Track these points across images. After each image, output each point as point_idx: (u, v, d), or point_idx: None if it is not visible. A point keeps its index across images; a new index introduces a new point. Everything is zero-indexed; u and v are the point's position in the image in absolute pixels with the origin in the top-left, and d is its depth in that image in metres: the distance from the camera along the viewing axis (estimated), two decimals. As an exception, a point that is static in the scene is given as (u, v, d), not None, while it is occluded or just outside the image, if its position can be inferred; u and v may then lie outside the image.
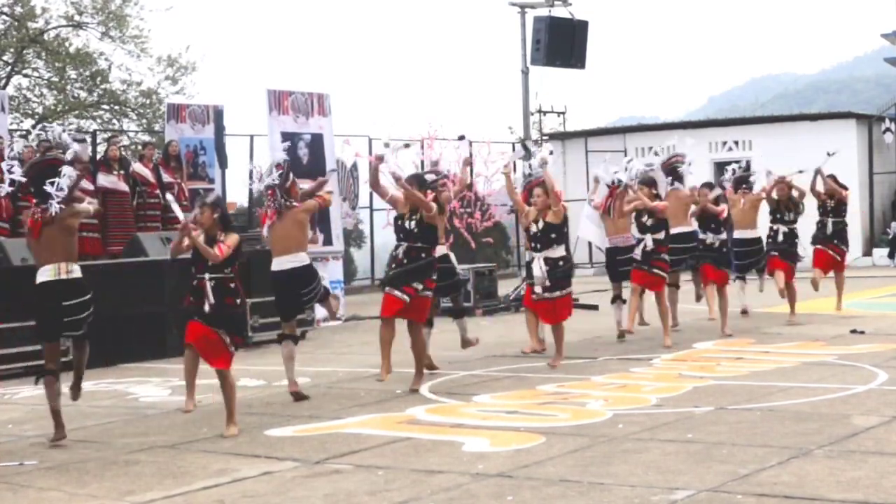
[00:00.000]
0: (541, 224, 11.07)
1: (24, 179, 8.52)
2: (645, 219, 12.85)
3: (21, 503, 6.76)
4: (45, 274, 8.30)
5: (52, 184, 8.27)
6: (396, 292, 9.96)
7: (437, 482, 6.63)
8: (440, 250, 10.81)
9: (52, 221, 8.29)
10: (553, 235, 11.06)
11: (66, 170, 8.44)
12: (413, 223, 9.97)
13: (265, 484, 6.86)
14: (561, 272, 11.13)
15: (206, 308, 8.49)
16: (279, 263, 10.01)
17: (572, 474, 6.65)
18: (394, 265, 10.10)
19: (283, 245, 10.00)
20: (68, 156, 8.90)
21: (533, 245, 11.21)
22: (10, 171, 8.56)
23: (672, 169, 14.43)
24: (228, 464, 7.44)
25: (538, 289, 11.12)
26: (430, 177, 10.84)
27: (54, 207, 8.28)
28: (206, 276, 8.54)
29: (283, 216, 9.98)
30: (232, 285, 8.64)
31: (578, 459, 7.05)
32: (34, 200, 8.49)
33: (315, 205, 10.33)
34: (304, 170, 17.99)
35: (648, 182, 13.02)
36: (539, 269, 11.02)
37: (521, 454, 7.28)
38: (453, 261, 11.66)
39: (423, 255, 10.00)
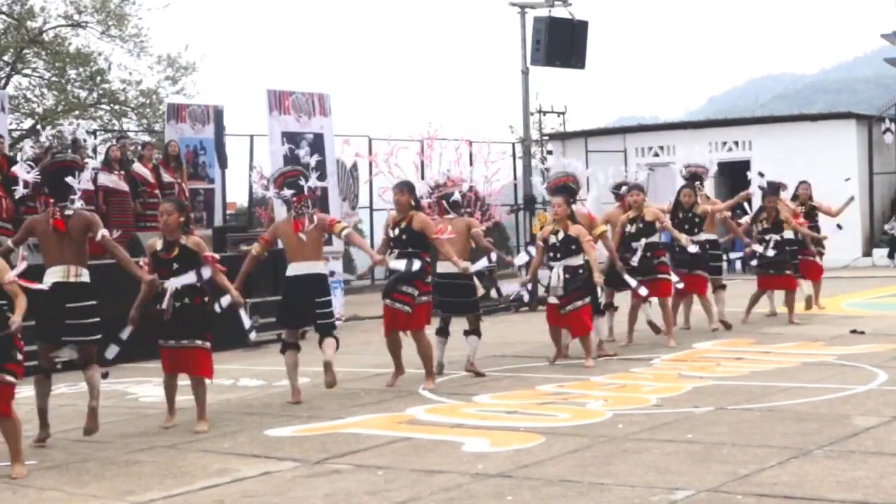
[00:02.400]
0: (561, 235, 11.14)
1: (37, 179, 8.61)
2: (633, 227, 12.62)
3: (21, 503, 6.76)
4: (53, 275, 8.27)
5: (71, 177, 8.39)
6: (396, 304, 10.12)
7: (437, 482, 6.63)
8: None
9: (69, 221, 8.35)
10: (573, 246, 11.20)
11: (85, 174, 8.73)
12: (398, 230, 10.14)
13: (265, 484, 6.86)
14: (582, 281, 11.21)
15: (165, 316, 8.69)
16: (297, 269, 9.83)
17: (572, 474, 6.65)
18: (389, 274, 10.22)
19: (305, 251, 9.80)
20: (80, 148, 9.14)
21: (552, 255, 11.24)
22: (27, 172, 8.66)
23: (695, 175, 14.32)
24: (228, 464, 7.44)
25: (552, 298, 11.17)
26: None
27: (76, 204, 8.38)
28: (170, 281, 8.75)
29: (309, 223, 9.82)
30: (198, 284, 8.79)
31: (578, 459, 7.05)
32: (51, 200, 8.48)
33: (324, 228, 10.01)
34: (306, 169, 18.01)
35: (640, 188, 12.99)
36: (557, 277, 11.09)
37: (521, 454, 7.28)
38: (475, 280, 11.22)
39: (415, 260, 10.04)
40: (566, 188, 12.07)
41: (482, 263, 10.95)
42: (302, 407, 9.64)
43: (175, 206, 9.00)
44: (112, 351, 8.87)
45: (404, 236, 10.19)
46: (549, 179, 12.66)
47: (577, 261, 11.19)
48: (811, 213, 15.73)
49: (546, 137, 29.20)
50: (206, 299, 8.91)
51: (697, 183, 14.06)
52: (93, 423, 8.55)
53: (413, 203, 10.33)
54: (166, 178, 17.25)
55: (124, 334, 8.85)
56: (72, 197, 8.42)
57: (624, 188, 13.29)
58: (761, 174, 15.09)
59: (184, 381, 9.67)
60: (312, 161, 10.28)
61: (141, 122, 28.89)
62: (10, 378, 7.31)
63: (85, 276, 8.42)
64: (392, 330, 10.42)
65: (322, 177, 10.13)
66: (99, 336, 8.54)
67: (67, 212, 8.37)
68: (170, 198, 8.90)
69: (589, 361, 11.19)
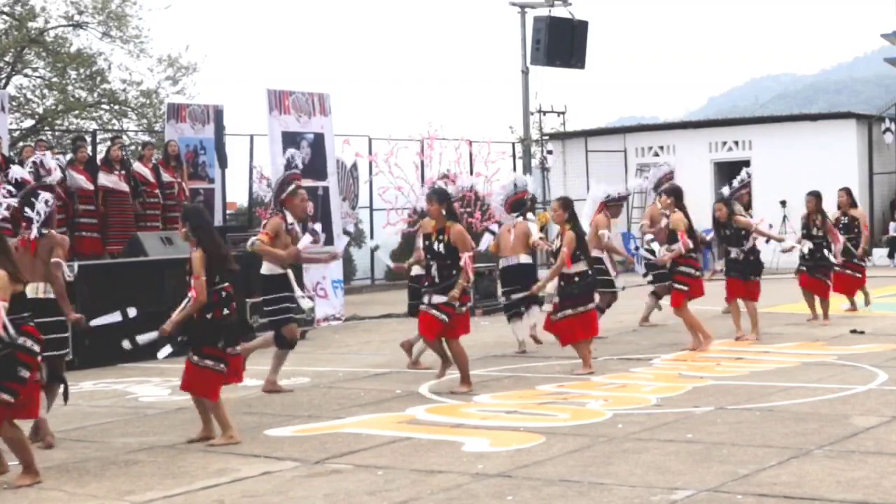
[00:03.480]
0: (556, 243, 10.99)
1: (16, 203, 8.71)
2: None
3: (21, 503, 6.76)
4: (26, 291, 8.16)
5: (31, 207, 8.44)
6: (433, 311, 10.01)
7: (437, 482, 6.63)
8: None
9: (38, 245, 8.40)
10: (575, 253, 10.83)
11: (45, 195, 8.60)
12: (441, 245, 10.00)
13: (265, 484, 6.86)
14: (578, 289, 10.79)
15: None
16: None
17: (572, 474, 6.65)
18: (425, 283, 10.17)
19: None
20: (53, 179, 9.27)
21: (552, 262, 11.14)
22: (4, 197, 8.80)
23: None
24: (228, 464, 7.44)
25: (547, 306, 11.11)
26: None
27: (34, 232, 8.40)
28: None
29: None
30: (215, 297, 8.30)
31: (578, 459, 7.05)
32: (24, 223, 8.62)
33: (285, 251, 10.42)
34: (306, 169, 18.01)
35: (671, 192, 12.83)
36: (553, 285, 11.03)
37: (521, 454, 7.28)
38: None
39: (453, 271, 10.03)
40: (523, 202, 12.69)
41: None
42: (302, 407, 9.65)
43: (182, 218, 8.60)
44: (164, 351, 8.69)
45: (443, 250, 10.06)
46: (507, 198, 13.07)
47: (573, 269, 10.76)
48: (851, 223, 15.28)
49: (546, 137, 29.19)
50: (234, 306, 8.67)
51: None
52: (38, 435, 8.26)
53: (445, 212, 10.11)
54: (166, 177, 17.26)
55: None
56: (34, 218, 8.46)
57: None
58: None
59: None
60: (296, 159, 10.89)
61: (141, 122, 28.87)
62: (5, 397, 7.02)
63: (51, 293, 8.44)
64: (437, 336, 10.18)
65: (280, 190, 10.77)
66: (68, 350, 8.79)
67: (42, 231, 8.43)
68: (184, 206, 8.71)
69: (584, 369, 10.73)
